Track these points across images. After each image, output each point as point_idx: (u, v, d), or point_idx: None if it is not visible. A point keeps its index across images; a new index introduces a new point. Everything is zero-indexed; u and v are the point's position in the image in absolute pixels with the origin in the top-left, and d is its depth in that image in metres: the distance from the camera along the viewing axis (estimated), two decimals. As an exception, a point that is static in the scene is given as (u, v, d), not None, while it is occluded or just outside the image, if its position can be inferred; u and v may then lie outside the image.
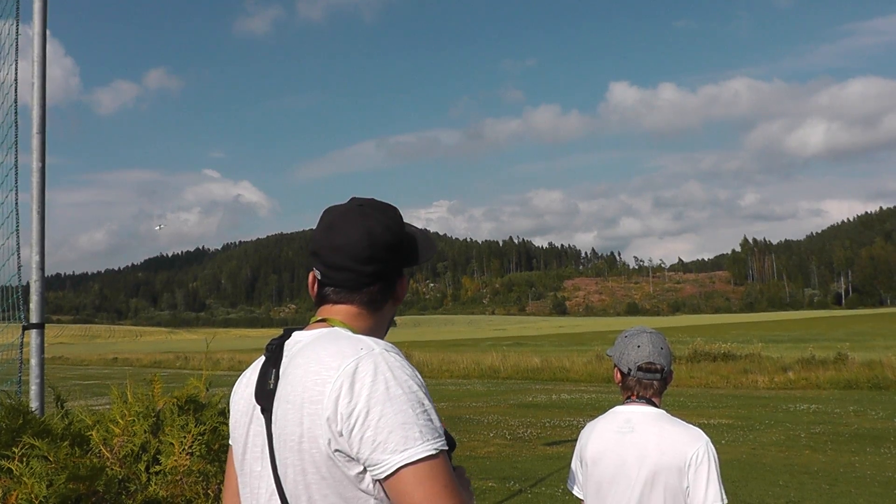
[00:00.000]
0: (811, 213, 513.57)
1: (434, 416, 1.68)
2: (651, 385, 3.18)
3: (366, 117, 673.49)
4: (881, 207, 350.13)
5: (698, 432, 3.10)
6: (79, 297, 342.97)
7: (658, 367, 3.17)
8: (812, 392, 23.99)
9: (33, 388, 4.62)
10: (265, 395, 1.80)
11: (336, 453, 1.65)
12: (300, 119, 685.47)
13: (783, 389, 25.11)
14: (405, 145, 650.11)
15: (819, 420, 17.12)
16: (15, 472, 3.29)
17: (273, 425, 1.76)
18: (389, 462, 1.60)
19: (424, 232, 2.12)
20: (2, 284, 5.35)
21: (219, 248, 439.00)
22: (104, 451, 3.46)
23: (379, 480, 1.64)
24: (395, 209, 2.00)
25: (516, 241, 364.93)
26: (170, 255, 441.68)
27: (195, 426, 3.53)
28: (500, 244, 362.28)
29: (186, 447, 3.49)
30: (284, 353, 1.83)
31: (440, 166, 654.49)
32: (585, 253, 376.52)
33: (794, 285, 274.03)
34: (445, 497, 1.60)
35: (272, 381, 1.80)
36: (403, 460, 1.59)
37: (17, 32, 5.84)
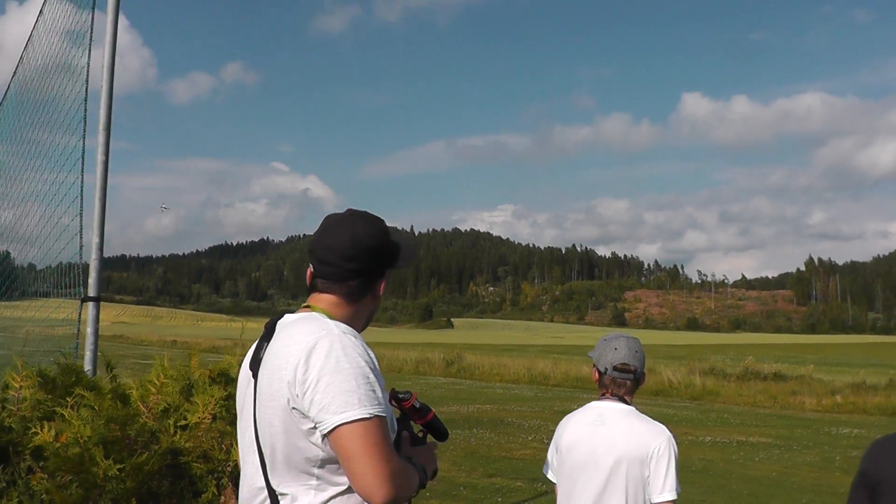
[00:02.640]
0: (878, 235, 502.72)
1: (377, 389, 2.16)
2: (624, 384, 3.60)
3: (435, 119, 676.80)
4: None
5: (662, 428, 3.51)
6: (142, 279, 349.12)
7: (632, 368, 3.58)
8: (858, 417, 23.80)
9: (87, 354, 5.19)
10: (255, 363, 2.32)
11: (293, 410, 2.15)
12: (370, 117, 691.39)
13: (829, 413, 24.92)
14: (473, 148, 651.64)
15: (858, 444, 17.03)
16: (66, 416, 3.92)
17: (258, 388, 2.27)
18: (330, 421, 2.08)
19: (410, 242, 2.66)
20: (66, 261, 5.90)
21: (283, 239, 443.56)
22: (141, 406, 4.07)
23: (324, 435, 2.11)
24: (380, 220, 2.50)
25: (579, 249, 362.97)
26: (234, 243, 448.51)
27: (220, 393, 4.09)
28: (563, 251, 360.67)
29: (210, 409, 4.02)
30: (276, 331, 2.34)
31: (507, 170, 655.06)
32: (648, 265, 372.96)
33: (858, 308, 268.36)
34: (375, 453, 2.06)
35: (262, 352, 2.32)
36: (341, 420, 2.06)
37: (92, 20, 6.17)
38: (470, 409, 22.36)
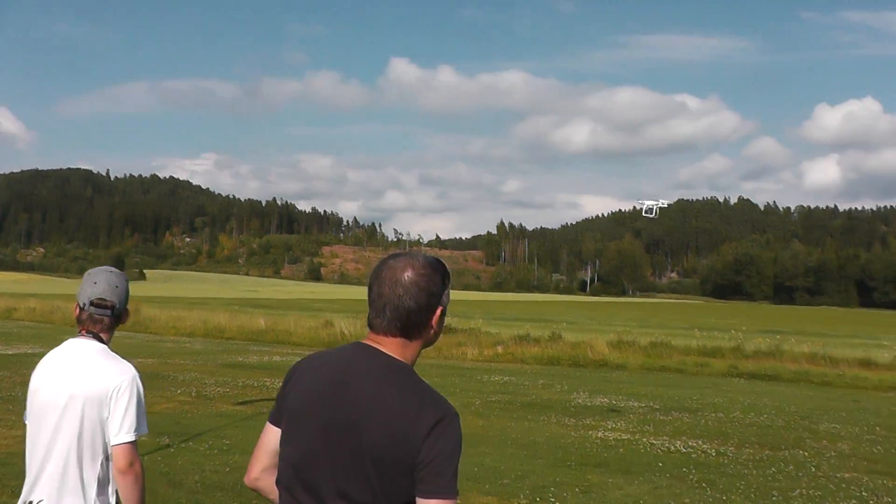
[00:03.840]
0: (568, 206, 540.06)
1: None
2: (101, 320, 3.34)
3: (139, 58, 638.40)
4: (634, 207, 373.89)
5: (127, 367, 3.28)
6: None
7: (109, 303, 3.33)
8: (514, 366, 25.28)
9: None
10: None
11: None
12: (69, 50, 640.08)
13: (489, 362, 26.30)
14: (178, 92, 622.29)
15: (503, 391, 18.02)
16: None
17: None
18: None
19: None
20: None
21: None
22: None
23: None
24: None
25: (280, 203, 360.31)
26: None
27: None
28: (263, 204, 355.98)
29: None
30: None
31: (213, 118, 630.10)
32: (347, 221, 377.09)
33: (544, 270, 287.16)
34: None
35: None
36: None
37: None
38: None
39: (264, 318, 36.35)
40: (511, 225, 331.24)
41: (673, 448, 11.24)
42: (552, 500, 8.18)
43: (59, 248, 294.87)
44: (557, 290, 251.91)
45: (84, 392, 3.18)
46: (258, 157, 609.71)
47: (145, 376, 11.48)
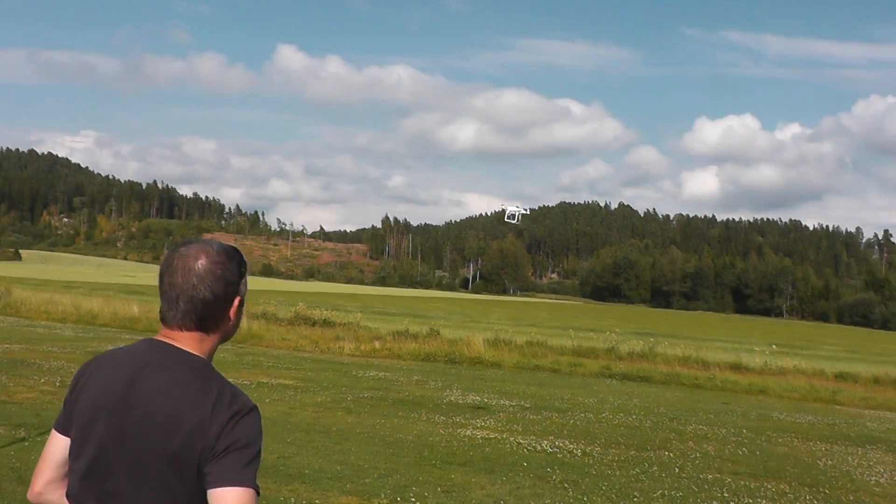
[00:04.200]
0: (452, 203, 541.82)
1: None
2: None
3: (19, 24, 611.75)
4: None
5: None
6: None
7: None
8: (390, 361, 25.12)
9: None
10: None
11: None
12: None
13: (365, 357, 26.07)
14: (58, 64, 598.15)
15: (376, 386, 17.85)
16: None
17: None
18: None
19: None
20: None
21: None
22: None
23: None
24: None
25: (160, 186, 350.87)
26: None
27: None
28: (144, 186, 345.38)
29: None
30: None
31: (94, 94, 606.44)
32: (230, 208, 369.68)
33: (427, 266, 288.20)
34: None
35: None
36: None
37: None
38: (-6, 348, 20.29)
39: (138, 305, 35.20)
40: (396, 220, 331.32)
41: (539, 448, 11.22)
42: (413, 499, 7.99)
43: None
44: (440, 287, 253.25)
45: None
46: (139, 137, 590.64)
47: (10, 363, 10.92)
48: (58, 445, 2.28)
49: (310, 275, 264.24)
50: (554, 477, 9.40)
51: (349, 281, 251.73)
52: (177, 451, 2.05)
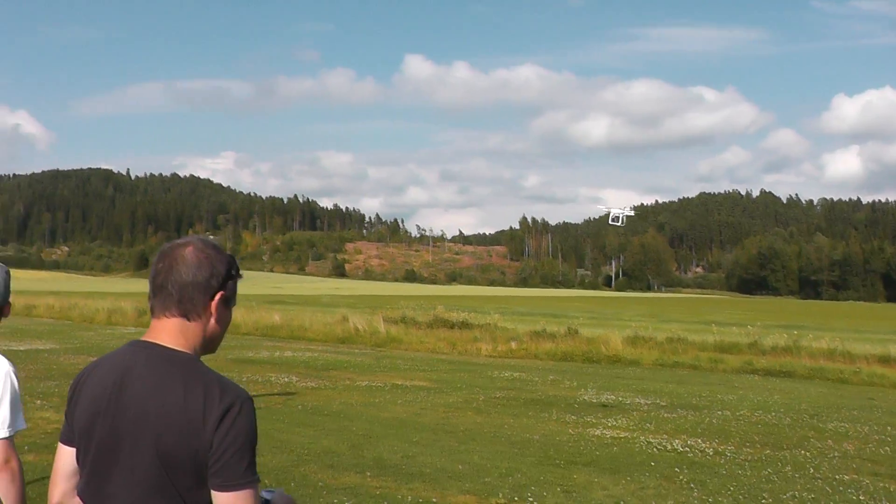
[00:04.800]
0: (590, 200, 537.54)
1: None
2: None
3: (154, 58, 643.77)
4: (656, 201, 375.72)
5: (4, 361, 3.12)
6: None
7: None
8: (526, 361, 25.04)
9: None
10: None
11: None
12: (84, 52, 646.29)
13: (501, 358, 26.07)
14: (194, 91, 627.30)
15: (509, 386, 17.78)
16: None
17: None
18: None
19: None
20: None
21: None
22: None
23: None
24: None
25: (301, 200, 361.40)
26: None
27: None
28: (285, 201, 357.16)
29: None
30: None
31: (229, 117, 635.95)
32: (370, 218, 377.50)
33: (568, 265, 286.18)
34: None
35: None
36: None
37: None
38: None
39: (279, 314, 36.32)
40: (534, 220, 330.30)
41: (670, 447, 10.92)
42: (531, 499, 7.93)
43: (83, 246, 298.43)
44: (582, 286, 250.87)
45: None
46: (277, 155, 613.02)
47: None
48: (66, 457, 2.35)
49: (452, 279, 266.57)
50: (681, 477, 9.13)
51: (491, 283, 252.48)
52: (169, 451, 2.09)
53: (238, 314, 36.96)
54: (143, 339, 2.28)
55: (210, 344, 2.33)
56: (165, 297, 2.25)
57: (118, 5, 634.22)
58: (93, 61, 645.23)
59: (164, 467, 2.10)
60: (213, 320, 2.29)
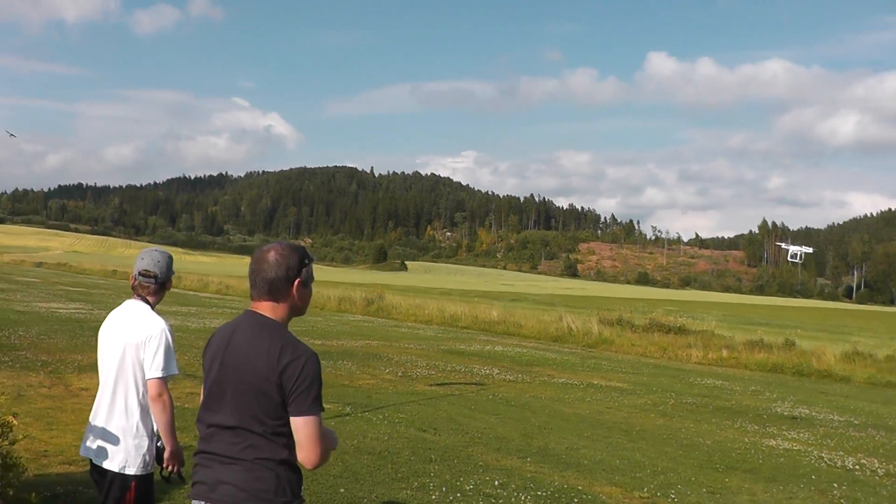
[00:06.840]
0: (835, 204, 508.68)
1: None
2: (147, 287, 4.57)
3: (400, 61, 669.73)
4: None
5: (159, 321, 4.44)
6: (98, 209, 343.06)
7: (152, 273, 4.55)
8: (733, 371, 24.82)
9: None
10: None
11: None
12: (335, 57, 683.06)
13: (709, 365, 25.94)
14: (438, 93, 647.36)
15: (705, 394, 17.82)
16: None
17: None
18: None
19: None
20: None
21: (242, 175, 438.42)
22: None
23: None
24: None
25: (537, 199, 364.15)
26: (192, 177, 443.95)
27: None
28: (521, 200, 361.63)
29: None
30: None
31: (471, 118, 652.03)
32: (605, 218, 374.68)
33: (807, 274, 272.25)
34: None
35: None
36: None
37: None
38: (357, 343, 23.11)
39: (498, 311, 37.53)
40: (774, 224, 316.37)
41: (840, 464, 10.87)
42: (672, 496, 8.38)
43: (326, 239, 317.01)
44: (821, 296, 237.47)
45: (128, 339, 4.40)
46: (516, 155, 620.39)
47: (364, 356, 13.07)
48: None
49: (685, 283, 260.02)
50: (835, 492, 9.19)
51: (725, 290, 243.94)
52: (258, 386, 3.12)
53: (459, 308, 38.55)
54: (250, 309, 3.33)
55: (296, 312, 3.36)
56: (259, 288, 3.29)
57: (369, 10, 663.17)
58: (342, 65, 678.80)
59: (256, 398, 3.13)
60: (296, 299, 3.31)
